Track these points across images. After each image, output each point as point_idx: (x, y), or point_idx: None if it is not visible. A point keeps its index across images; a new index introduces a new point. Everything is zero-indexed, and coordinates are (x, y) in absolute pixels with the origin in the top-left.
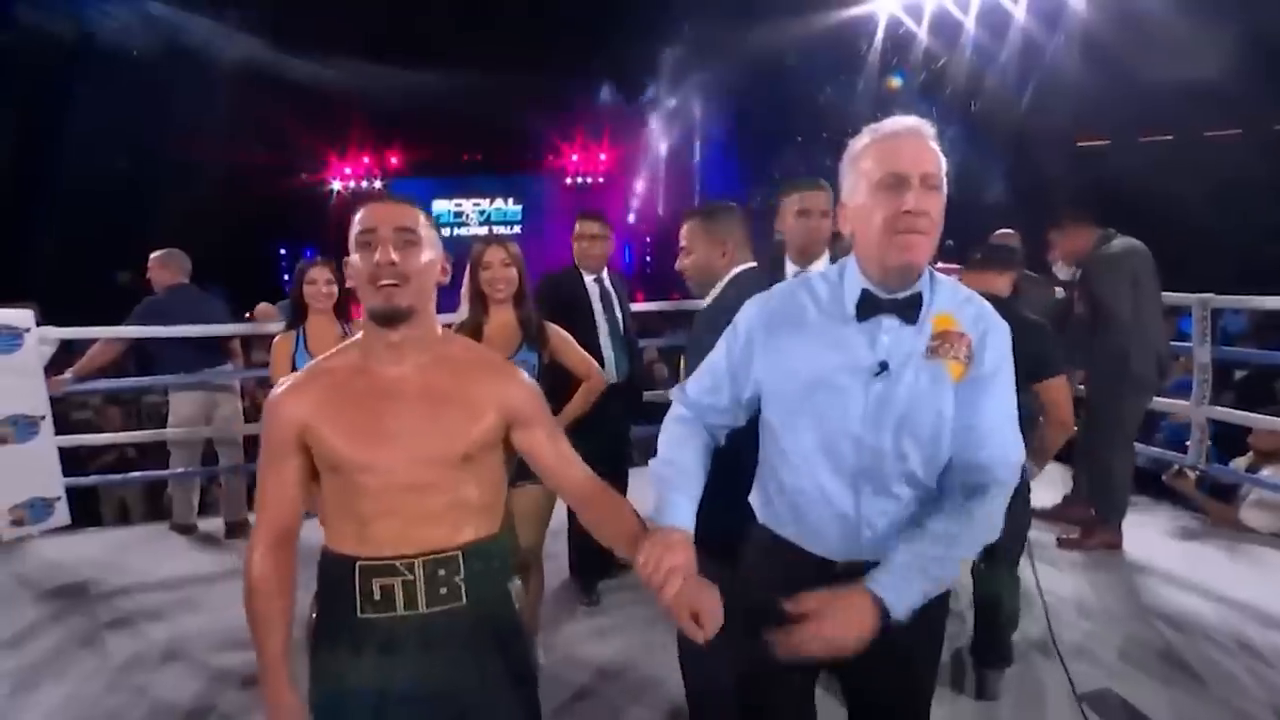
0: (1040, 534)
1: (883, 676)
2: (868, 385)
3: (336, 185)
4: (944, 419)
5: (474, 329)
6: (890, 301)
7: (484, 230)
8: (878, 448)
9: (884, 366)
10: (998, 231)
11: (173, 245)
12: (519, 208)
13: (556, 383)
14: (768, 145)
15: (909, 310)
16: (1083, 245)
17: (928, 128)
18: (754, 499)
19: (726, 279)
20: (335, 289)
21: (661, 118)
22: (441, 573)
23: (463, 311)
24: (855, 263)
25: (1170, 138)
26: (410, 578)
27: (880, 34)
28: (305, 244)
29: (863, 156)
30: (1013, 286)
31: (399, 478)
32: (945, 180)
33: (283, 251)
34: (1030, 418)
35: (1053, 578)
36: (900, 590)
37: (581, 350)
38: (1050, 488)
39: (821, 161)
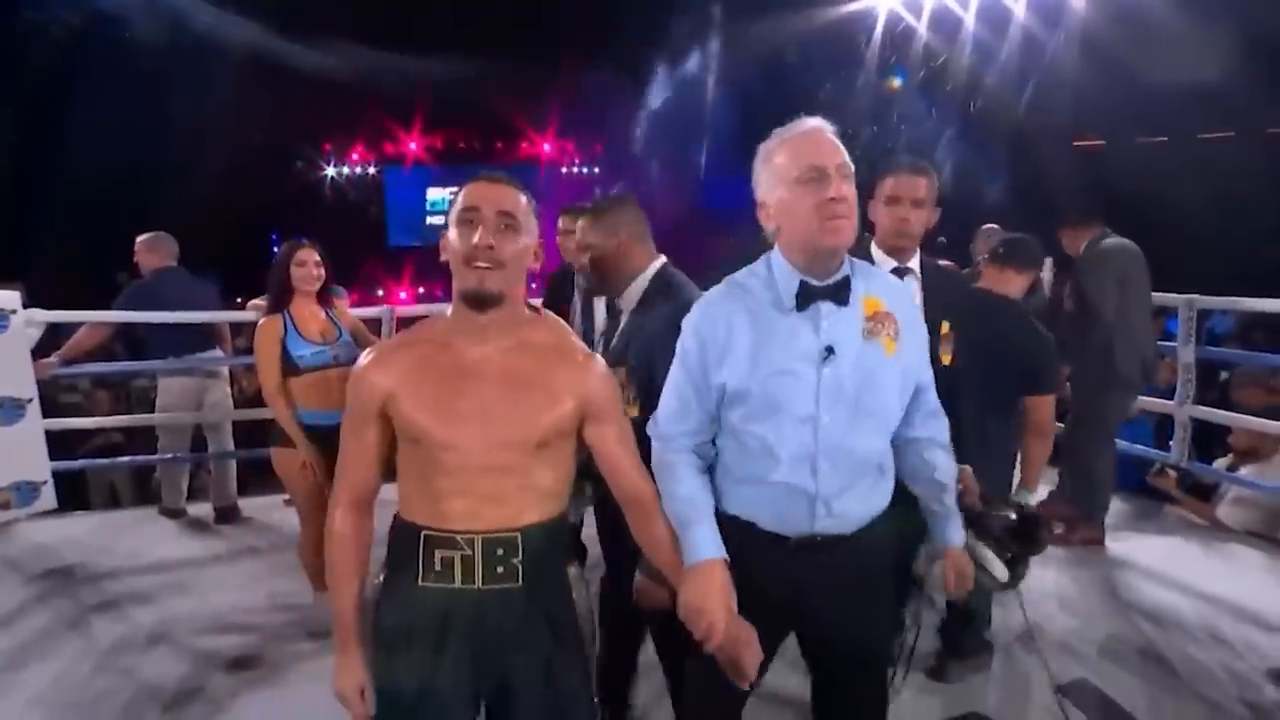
0: None
1: (844, 639)
2: (819, 369)
3: (331, 173)
4: (890, 394)
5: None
6: (823, 288)
7: None
8: (834, 426)
9: (830, 350)
10: (983, 226)
11: (164, 232)
12: None
13: None
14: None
15: (841, 293)
16: (1082, 242)
17: (829, 125)
18: (715, 491)
19: (650, 274)
20: (323, 272)
21: (662, 109)
22: (500, 552)
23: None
24: (781, 257)
25: (1165, 139)
26: (469, 553)
27: (879, 30)
28: (300, 234)
29: (776, 155)
30: (1029, 287)
31: (476, 458)
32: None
33: (275, 238)
34: (1007, 434)
35: (1036, 573)
36: (960, 529)
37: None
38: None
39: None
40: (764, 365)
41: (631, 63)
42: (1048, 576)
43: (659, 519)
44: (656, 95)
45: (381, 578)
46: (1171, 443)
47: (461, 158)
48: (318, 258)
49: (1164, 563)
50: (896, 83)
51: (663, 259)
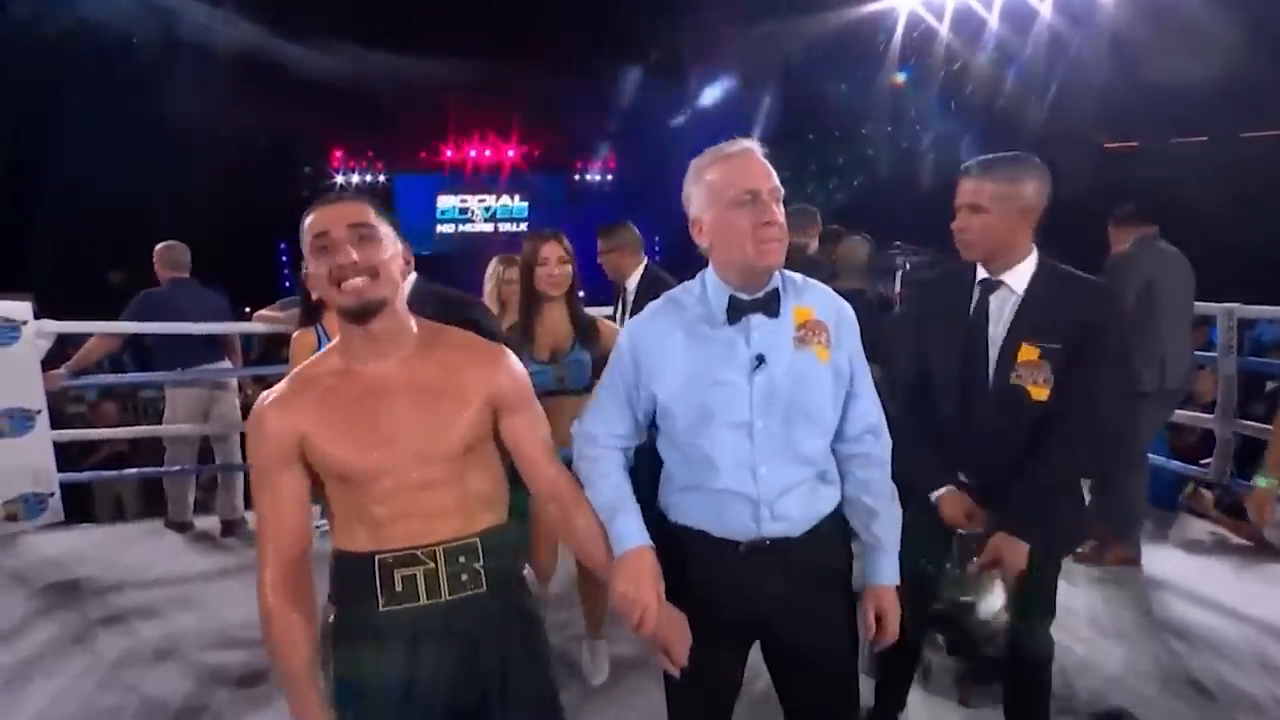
0: None
1: (802, 644)
2: (750, 377)
3: (340, 180)
4: (824, 397)
5: (524, 329)
6: (753, 302)
7: (490, 228)
8: (769, 431)
9: (761, 359)
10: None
11: (172, 239)
12: (525, 204)
13: None
14: (783, 144)
15: (770, 305)
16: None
17: (760, 147)
18: (662, 503)
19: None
20: None
21: (675, 115)
22: (462, 559)
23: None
24: (714, 274)
25: (1205, 139)
26: (431, 566)
27: (900, 31)
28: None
29: (708, 173)
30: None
31: (410, 478)
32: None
33: (283, 246)
34: None
35: (1068, 593)
36: (893, 566)
37: None
38: None
39: (834, 159)
40: (698, 377)
41: (645, 69)
42: (1079, 596)
43: (580, 512)
44: (671, 100)
45: (331, 617)
46: (1209, 459)
47: (471, 165)
48: None
49: (1204, 583)
50: (900, 78)
51: (646, 261)
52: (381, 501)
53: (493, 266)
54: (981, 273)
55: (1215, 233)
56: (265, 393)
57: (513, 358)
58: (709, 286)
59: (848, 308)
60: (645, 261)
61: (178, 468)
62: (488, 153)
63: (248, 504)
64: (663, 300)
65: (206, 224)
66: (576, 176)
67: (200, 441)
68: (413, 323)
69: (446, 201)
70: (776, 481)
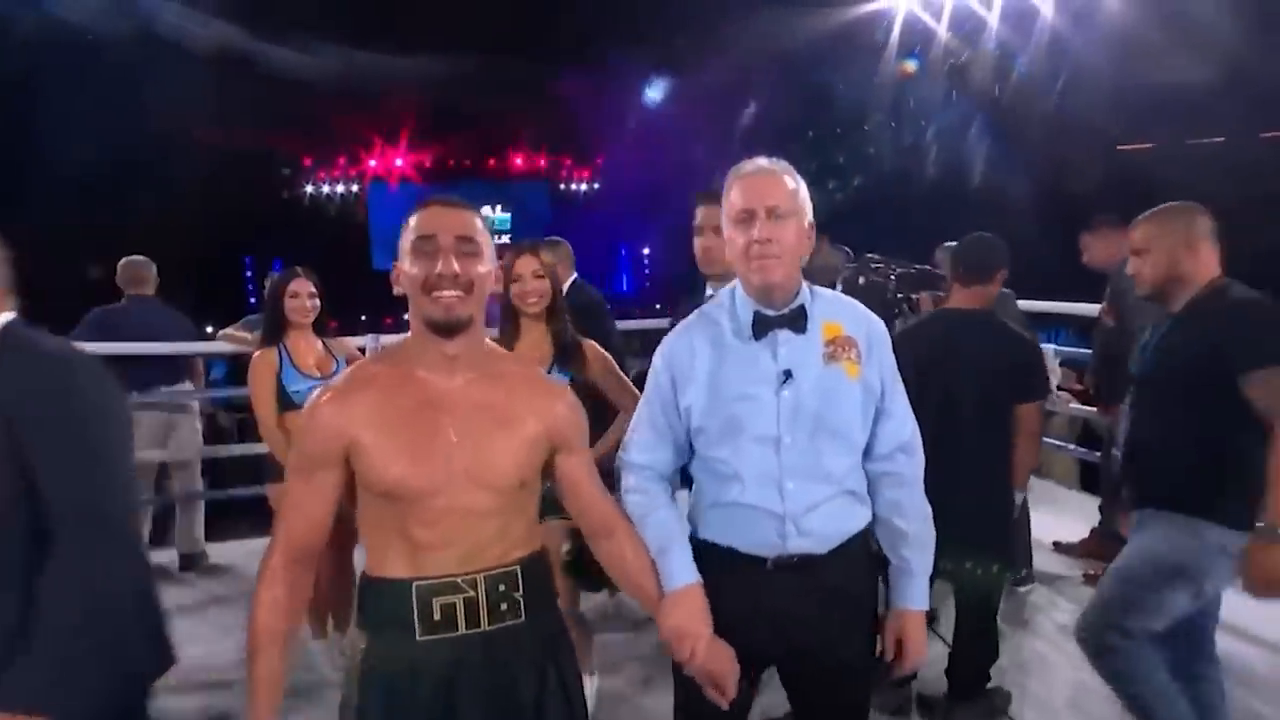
0: (1066, 569)
1: (821, 662)
2: (778, 392)
3: (310, 190)
4: (853, 414)
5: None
6: (779, 317)
7: None
8: (796, 447)
9: (788, 375)
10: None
11: (133, 251)
12: (508, 215)
13: (590, 408)
14: (780, 145)
15: (797, 322)
16: (1115, 252)
17: (781, 165)
18: (692, 519)
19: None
20: (318, 302)
21: (665, 119)
22: (502, 588)
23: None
24: (740, 289)
25: (1221, 140)
26: (472, 594)
27: (898, 27)
28: (274, 255)
29: (729, 195)
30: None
31: (459, 502)
32: (803, 207)
33: (248, 261)
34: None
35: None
36: (921, 591)
37: (622, 375)
38: (1077, 520)
39: (834, 158)
40: (724, 390)
41: (634, 70)
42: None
43: (631, 546)
44: (661, 103)
45: (362, 646)
46: None
47: (450, 174)
48: (311, 288)
49: (1227, 609)
50: (910, 66)
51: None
52: (428, 524)
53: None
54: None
55: (1233, 234)
56: (323, 387)
57: (572, 396)
58: (737, 302)
59: (879, 323)
60: (575, 276)
61: None
62: (467, 161)
63: (209, 535)
64: (695, 315)
65: (166, 236)
66: (562, 185)
67: (157, 470)
68: (487, 343)
69: None
70: (803, 497)
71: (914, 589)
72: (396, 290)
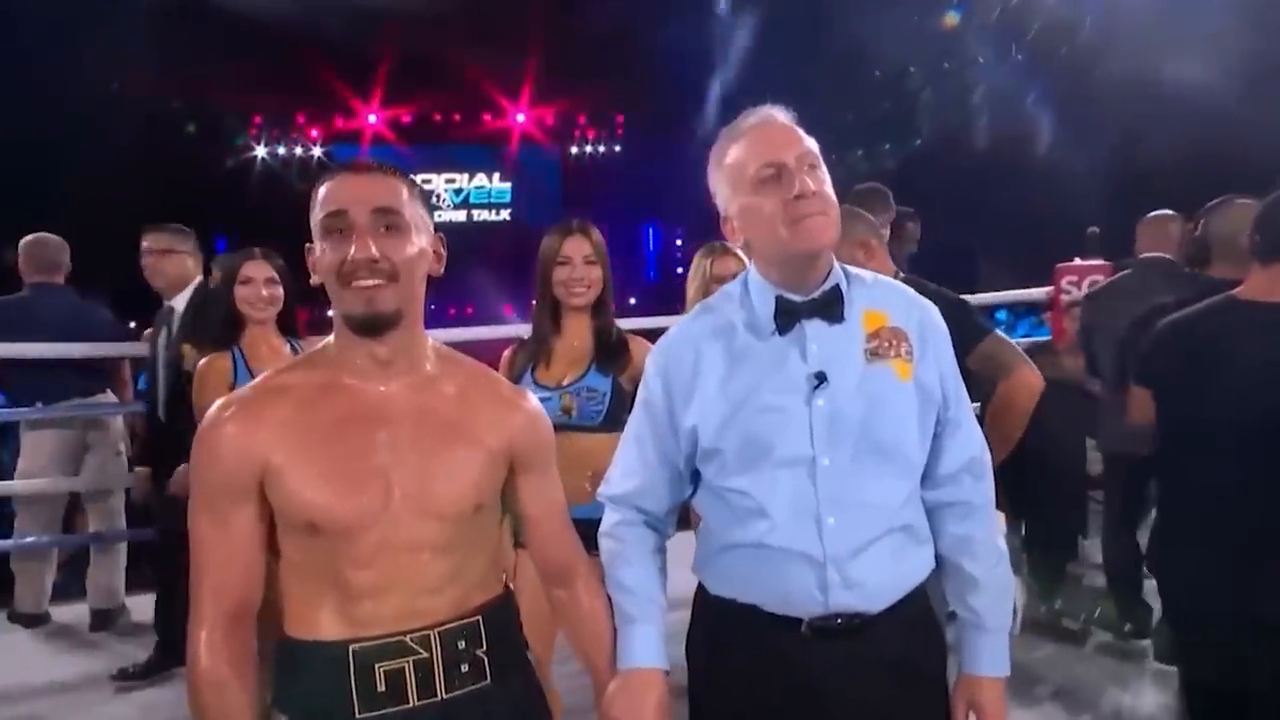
0: None
1: None
2: (810, 401)
3: (261, 153)
4: (907, 425)
5: (537, 345)
6: (808, 304)
7: (462, 216)
8: (837, 470)
9: (821, 377)
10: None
11: (45, 229)
12: (507, 186)
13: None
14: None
15: (831, 308)
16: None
17: (784, 111)
18: (696, 568)
19: None
20: (280, 291)
21: (695, 69)
22: (462, 645)
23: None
24: (756, 274)
25: None
26: (424, 655)
27: None
28: (217, 230)
29: (728, 155)
30: None
31: (400, 535)
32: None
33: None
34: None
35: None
36: (999, 651)
37: None
38: None
39: (885, 116)
40: (742, 402)
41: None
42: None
43: (589, 601)
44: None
45: None
46: None
47: (436, 134)
48: (271, 272)
49: None
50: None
51: None
52: (360, 565)
53: (697, 262)
54: None
55: None
56: (223, 400)
57: (536, 403)
58: (752, 288)
59: (934, 311)
60: None
61: (31, 538)
62: (456, 118)
63: (130, 585)
64: (698, 309)
65: (89, 213)
66: (574, 149)
67: (66, 501)
68: (430, 342)
69: None
70: (848, 536)
71: (990, 649)
72: (313, 280)
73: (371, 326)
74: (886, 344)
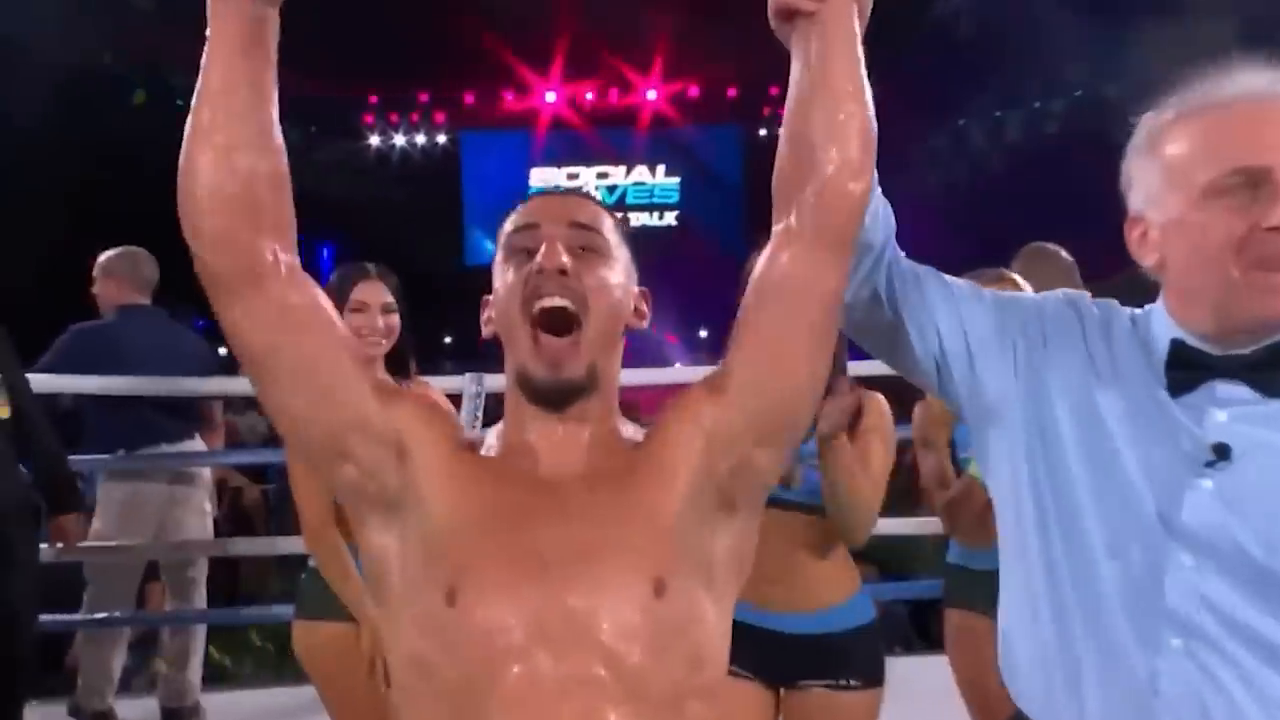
0: None
1: None
2: (1193, 482)
3: (375, 142)
4: None
5: None
6: (1226, 361)
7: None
8: (1203, 574)
9: (1224, 451)
10: None
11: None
12: (675, 181)
13: None
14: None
15: (1264, 373)
16: None
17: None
18: (1003, 665)
19: None
20: (397, 320)
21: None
22: None
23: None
24: (1163, 308)
25: None
26: None
27: None
28: (321, 239)
29: (1171, 140)
30: None
31: (561, 670)
32: None
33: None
34: None
35: None
36: None
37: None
38: None
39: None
40: (1091, 461)
41: None
42: None
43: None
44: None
45: None
46: None
47: (585, 114)
48: (388, 297)
49: None
50: None
51: None
52: (510, 706)
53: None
54: None
55: None
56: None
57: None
58: (1154, 321)
59: None
60: None
61: (101, 614)
62: (612, 94)
63: (208, 678)
64: (1086, 303)
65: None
66: (763, 131)
67: (144, 571)
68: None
69: (544, 176)
70: (1186, 664)
71: None
72: (486, 331)
73: (557, 395)
74: None
